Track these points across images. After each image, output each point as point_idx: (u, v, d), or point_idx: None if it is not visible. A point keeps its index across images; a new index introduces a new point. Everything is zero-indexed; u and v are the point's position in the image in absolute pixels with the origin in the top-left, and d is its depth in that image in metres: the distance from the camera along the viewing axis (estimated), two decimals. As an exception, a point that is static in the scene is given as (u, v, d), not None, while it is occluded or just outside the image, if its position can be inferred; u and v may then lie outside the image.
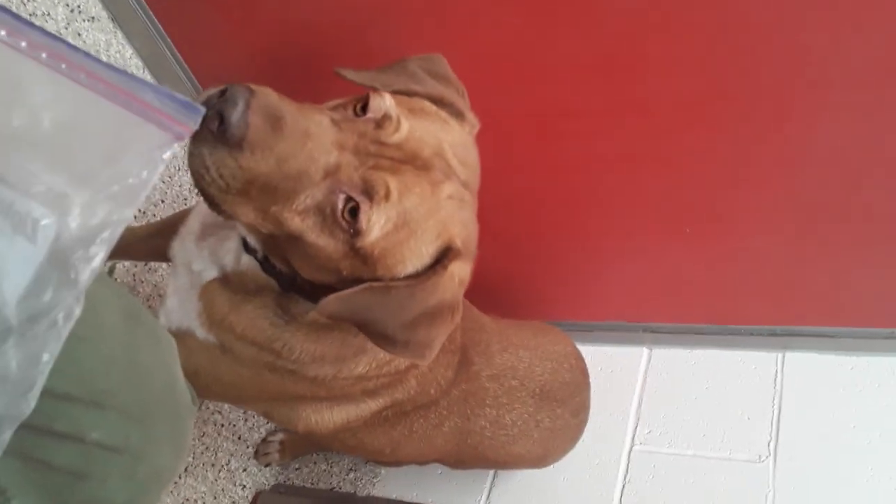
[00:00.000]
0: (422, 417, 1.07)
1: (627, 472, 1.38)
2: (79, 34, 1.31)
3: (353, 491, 1.54)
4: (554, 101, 1.16)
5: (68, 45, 0.55)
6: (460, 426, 1.12)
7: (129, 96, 0.58)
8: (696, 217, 1.27)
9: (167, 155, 0.59)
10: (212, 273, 0.89)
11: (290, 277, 0.82)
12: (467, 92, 0.88)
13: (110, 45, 1.37)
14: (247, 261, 0.85)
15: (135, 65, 1.40)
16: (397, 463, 1.26)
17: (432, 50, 0.91)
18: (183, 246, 0.93)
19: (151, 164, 0.57)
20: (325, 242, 0.72)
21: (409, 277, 0.75)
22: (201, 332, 0.90)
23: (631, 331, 1.53)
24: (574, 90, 1.14)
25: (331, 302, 0.74)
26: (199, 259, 0.90)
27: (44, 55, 0.55)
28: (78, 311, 0.52)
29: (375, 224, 0.71)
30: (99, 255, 0.53)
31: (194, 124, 0.62)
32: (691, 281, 1.39)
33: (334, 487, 1.56)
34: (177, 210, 1.34)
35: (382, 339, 0.77)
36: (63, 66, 0.56)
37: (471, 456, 1.21)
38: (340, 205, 0.70)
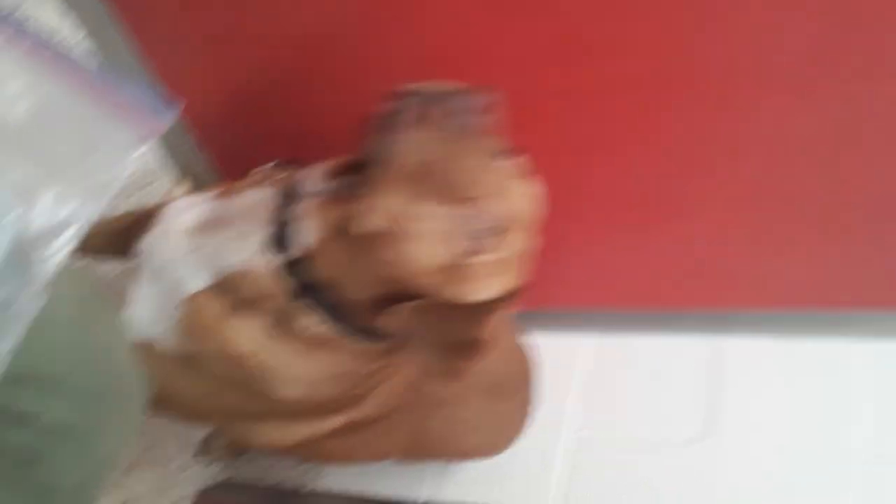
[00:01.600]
0: (380, 425, 1.08)
1: (565, 460, 1.39)
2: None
3: (299, 485, 1.53)
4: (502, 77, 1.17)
5: (43, 37, 0.56)
6: (416, 429, 1.13)
7: (103, 91, 0.59)
8: (630, 198, 1.29)
9: (137, 153, 0.59)
10: (201, 280, 0.84)
11: (322, 285, 0.81)
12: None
13: (62, 28, 1.35)
14: (264, 261, 0.82)
15: (86, 46, 1.39)
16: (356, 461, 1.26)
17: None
18: (161, 246, 0.87)
19: (122, 162, 0.58)
20: (435, 251, 0.74)
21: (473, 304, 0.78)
22: (173, 343, 0.86)
23: (568, 318, 1.55)
24: (522, 71, 1.15)
25: (405, 311, 0.76)
26: (187, 262, 0.85)
27: (18, 47, 0.57)
28: (39, 305, 0.53)
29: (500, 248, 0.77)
30: (63, 250, 0.54)
31: (167, 122, 0.62)
32: (626, 265, 1.42)
33: (280, 482, 1.55)
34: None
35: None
36: (37, 58, 0.57)
37: (423, 454, 1.24)
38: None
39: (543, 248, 1.41)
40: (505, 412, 1.23)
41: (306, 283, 0.81)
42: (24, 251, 0.52)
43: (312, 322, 0.82)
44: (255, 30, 1.25)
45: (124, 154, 0.58)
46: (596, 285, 1.49)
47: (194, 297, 0.84)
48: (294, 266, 0.81)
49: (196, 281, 0.84)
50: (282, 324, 0.83)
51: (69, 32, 1.36)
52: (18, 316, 0.52)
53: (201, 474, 1.57)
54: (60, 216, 0.54)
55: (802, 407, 1.31)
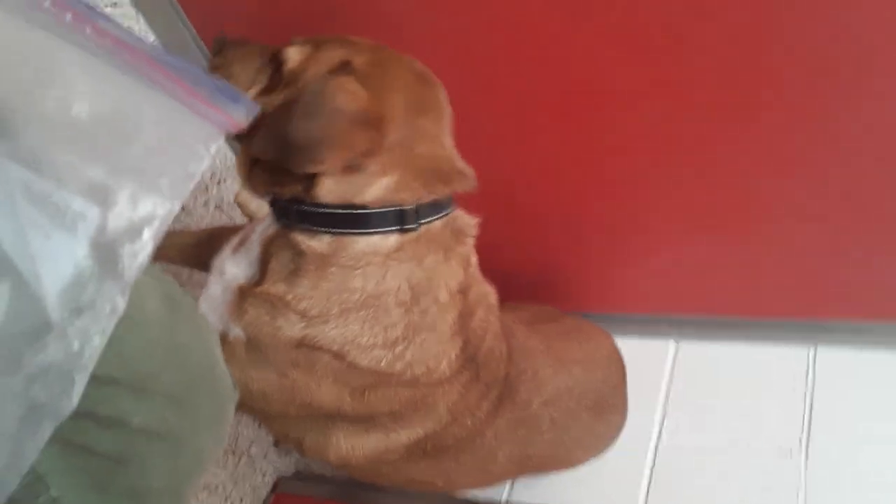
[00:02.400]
0: (468, 451, 1.05)
1: (654, 466, 1.38)
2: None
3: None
4: (584, 83, 1.14)
5: (124, 31, 0.54)
6: (517, 453, 1.11)
7: (177, 84, 0.56)
8: (725, 205, 1.25)
9: (213, 148, 0.57)
10: (244, 274, 0.90)
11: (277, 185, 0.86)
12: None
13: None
14: (267, 225, 0.90)
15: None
16: (452, 489, 1.25)
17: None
18: (221, 258, 0.94)
19: (197, 157, 0.55)
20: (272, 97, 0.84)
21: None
22: (232, 328, 0.89)
23: (657, 323, 1.52)
24: (603, 73, 1.11)
25: (257, 138, 0.81)
26: (232, 263, 0.92)
27: (101, 41, 0.53)
28: (123, 305, 0.51)
29: (292, 55, 0.86)
30: (145, 249, 0.52)
31: (241, 117, 0.60)
32: (720, 272, 1.38)
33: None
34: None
35: (284, 149, 0.80)
36: (116, 52, 0.53)
37: (531, 472, 1.23)
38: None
39: (636, 254, 1.43)
40: (609, 424, 1.22)
41: (277, 203, 0.88)
42: (105, 250, 0.50)
43: (307, 239, 0.85)
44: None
45: (201, 149, 0.56)
46: (689, 290, 1.45)
47: (241, 287, 0.90)
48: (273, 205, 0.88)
49: (241, 274, 0.91)
50: (295, 258, 0.87)
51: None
52: (106, 315, 0.51)
53: (280, 463, 1.57)
54: (140, 214, 0.52)
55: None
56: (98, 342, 0.51)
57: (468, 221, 0.96)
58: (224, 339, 0.90)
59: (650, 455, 1.39)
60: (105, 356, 0.52)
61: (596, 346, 1.23)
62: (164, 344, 0.60)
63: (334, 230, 0.84)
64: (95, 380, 0.52)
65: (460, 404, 0.99)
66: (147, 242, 0.52)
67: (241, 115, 0.61)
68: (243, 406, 0.94)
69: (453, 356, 0.94)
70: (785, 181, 1.18)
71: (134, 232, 0.52)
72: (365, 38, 0.90)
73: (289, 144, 0.78)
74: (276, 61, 0.88)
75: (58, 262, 0.49)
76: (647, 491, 1.36)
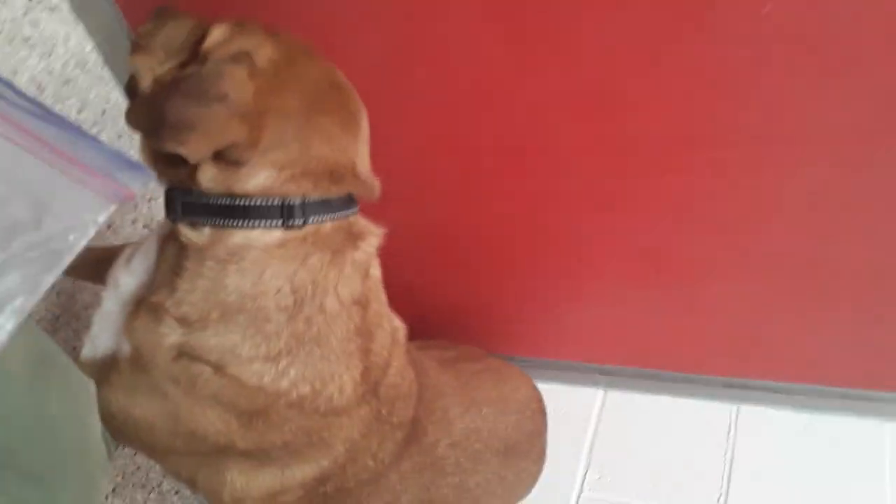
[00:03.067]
0: (372, 494, 1.01)
1: (577, 516, 1.36)
2: (36, 24, 1.23)
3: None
4: (525, 120, 1.13)
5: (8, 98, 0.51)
6: (420, 498, 1.06)
7: (64, 152, 0.53)
8: (660, 262, 1.26)
9: (101, 218, 0.54)
10: (139, 282, 0.86)
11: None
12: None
13: (69, 38, 1.30)
14: (164, 223, 0.87)
15: (93, 60, 1.33)
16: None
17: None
18: (115, 269, 0.89)
19: (81, 228, 0.52)
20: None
21: None
22: (125, 346, 0.84)
23: (586, 371, 1.50)
24: (549, 124, 1.12)
25: (133, 105, 0.80)
26: (126, 273, 0.87)
27: None
28: None
29: (214, 34, 0.81)
30: (6, 326, 0.48)
31: (139, 186, 0.57)
32: (651, 325, 1.38)
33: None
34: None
35: (154, 123, 0.76)
36: None
37: None
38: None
39: (568, 300, 1.42)
40: (519, 471, 1.18)
41: (170, 209, 0.84)
42: None
43: (192, 232, 0.81)
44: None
45: (85, 220, 0.53)
46: (619, 341, 1.45)
47: (134, 296, 0.86)
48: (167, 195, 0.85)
49: (134, 281, 0.86)
50: (178, 257, 0.83)
51: (77, 42, 1.30)
52: None
53: (193, 500, 1.51)
54: (4, 288, 0.48)
55: (815, 484, 1.28)
56: None
57: (369, 228, 0.91)
58: (114, 359, 0.86)
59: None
60: None
61: (512, 388, 1.20)
62: (27, 414, 0.55)
63: (215, 222, 0.80)
64: None
65: (361, 443, 0.95)
66: (9, 320, 0.48)
67: (136, 184, 0.58)
68: (129, 440, 0.90)
69: (348, 380, 0.89)
70: (719, 239, 1.19)
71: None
72: (295, 36, 0.87)
73: (160, 119, 0.74)
74: (200, 39, 0.84)
75: None
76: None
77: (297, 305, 0.82)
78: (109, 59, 1.35)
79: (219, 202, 0.80)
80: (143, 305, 0.83)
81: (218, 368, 0.82)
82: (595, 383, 1.50)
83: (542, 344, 1.52)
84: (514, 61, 1.06)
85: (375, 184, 0.90)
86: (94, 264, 1.02)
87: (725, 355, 1.37)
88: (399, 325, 1.00)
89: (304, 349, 0.84)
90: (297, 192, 0.81)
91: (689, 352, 1.39)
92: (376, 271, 0.93)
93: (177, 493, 1.48)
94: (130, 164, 0.56)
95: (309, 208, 0.82)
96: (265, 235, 0.80)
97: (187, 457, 0.91)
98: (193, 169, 0.79)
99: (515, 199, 1.25)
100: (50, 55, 1.26)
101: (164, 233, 0.86)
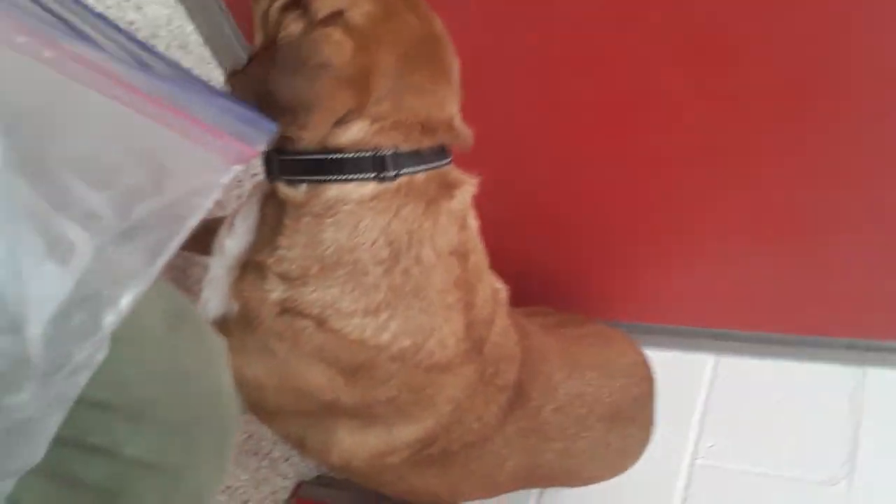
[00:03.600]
0: (477, 457, 1.00)
1: (688, 487, 1.30)
2: (140, 7, 1.27)
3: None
4: (626, 82, 1.09)
5: (126, 45, 0.49)
6: (525, 463, 1.05)
7: (184, 114, 0.51)
8: (776, 216, 1.19)
9: (225, 180, 0.52)
10: (243, 244, 0.87)
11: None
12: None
13: (171, 20, 1.33)
14: (263, 183, 0.88)
15: (195, 41, 1.37)
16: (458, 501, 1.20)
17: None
18: (219, 236, 0.92)
19: (205, 191, 0.50)
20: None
21: None
22: (233, 307, 0.86)
23: (697, 336, 1.44)
24: (645, 73, 1.07)
25: (237, 77, 0.79)
26: (230, 237, 0.89)
27: (94, 72, 0.48)
28: (100, 358, 0.46)
29: None
30: (129, 294, 0.46)
31: (260, 144, 0.54)
32: (766, 286, 1.31)
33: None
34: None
35: (267, 102, 0.76)
36: (110, 70, 0.48)
37: (539, 484, 1.16)
38: None
39: (676, 263, 1.36)
40: (625, 437, 1.14)
41: (269, 169, 0.84)
42: (88, 291, 0.45)
43: (289, 188, 0.82)
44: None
45: (209, 182, 0.51)
46: (731, 303, 1.38)
47: (239, 260, 0.87)
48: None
49: (239, 245, 0.88)
50: (279, 213, 0.84)
51: (178, 24, 1.33)
52: (79, 369, 0.46)
53: (301, 466, 1.55)
54: (130, 253, 0.47)
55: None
56: (71, 397, 0.47)
57: (463, 178, 0.89)
58: (224, 322, 0.87)
59: (683, 475, 1.32)
60: (98, 378, 0.48)
61: (618, 353, 1.16)
62: (163, 368, 0.56)
63: (311, 178, 0.81)
64: (84, 404, 0.49)
65: (465, 404, 0.94)
66: (134, 286, 0.47)
67: (259, 142, 0.55)
68: (242, 401, 0.93)
69: (449, 335, 0.88)
70: (835, 192, 1.12)
71: (120, 273, 0.47)
72: None
73: (272, 100, 0.75)
74: None
75: (45, 296, 0.43)
76: (678, 508, 1.28)
77: (394, 257, 0.82)
78: (210, 40, 1.38)
79: (314, 157, 0.80)
80: (248, 266, 0.85)
81: (320, 323, 0.83)
82: (706, 348, 1.43)
83: (648, 309, 1.47)
84: (614, 12, 1.02)
85: (468, 133, 0.89)
86: (202, 236, 1.05)
87: (849, 315, 1.28)
88: (501, 287, 0.99)
89: (404, 302, 0.84)
90: (388, 144, 0.80)
91: (808, 312, 1.31)
92: (473, 222, 0.92)
93: (286, 460, 1.52)
94: (252, 120, 0.54)
95: (401, 160, 0.81)
96: (359, 189, 0.80)
97: (296, 417, 0.93)
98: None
99: (617, 155, 1.21)
100: (153, 38, 1.30)
101: (262, 194, 0.87)
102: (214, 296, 0.89)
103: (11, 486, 0.45)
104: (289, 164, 0.82)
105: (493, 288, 0.96)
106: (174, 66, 0.53)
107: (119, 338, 0.50)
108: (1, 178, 0.41)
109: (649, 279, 1.42)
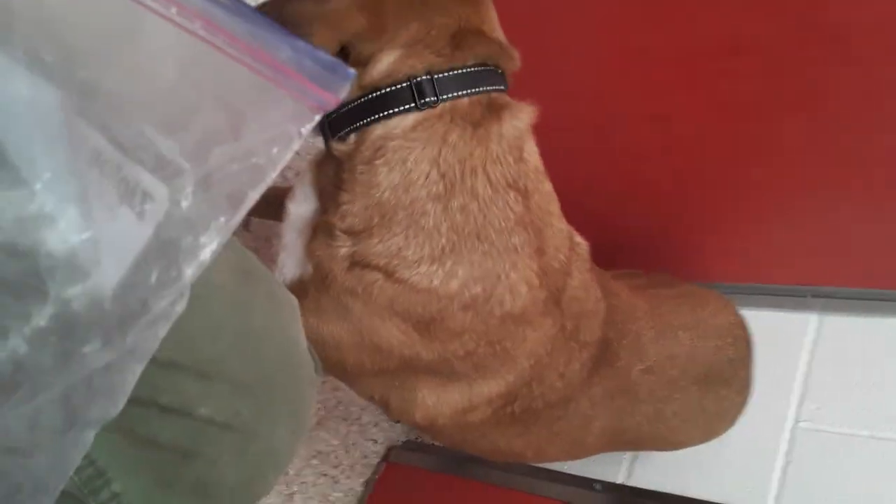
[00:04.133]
0: (562, 418, 0.97)
1: (790, 452, 1.24)
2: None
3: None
4: (721, 31, 1.03)
5: None
6: (612, 425, 1.02)
7: (261, 55, 0.46)
8: (881, 164, 1.10)
9: (306, 129, 0.47)
10: (307, 209, 0.88)
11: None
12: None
13: None
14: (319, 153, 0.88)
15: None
16: (542, 461, 1.17)
17: None
18: (287, 204, 0.92)
19: (284, 140, 0.46)
20: None
21: None
22: (308, 269, 0.86)
23: (797, 295, 1.37)
24: (738, 17, 1.00)
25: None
26: (293, 204, 0.90)
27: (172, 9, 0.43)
28: (179, 309, 0.44)
29: None
30: (209, 245, 0.44)
31: (340, 91, 0.50)
32: (870, 238, 1.22)
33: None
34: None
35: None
36: (181, 14, 0.44)
37: (627, 448, 1.12)
38: None
39: (771, 215, 1.29)
40: (720, 400, 1.09)
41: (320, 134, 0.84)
42: (166, 242, 0.43)
43: (340, 144, 0.82)
44: None
45: (288, 131, 0.46)
46: (835, 258, 1.30)
47: (311, 222, 0.88)
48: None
49: (307, 205, 0.88)
50: (337, 170, 0.84)
51: None
52: (158, 321, 0.44)
53: (391, 431, 1.56)
54: (208, 205, 0.44)
55: None
56: (150, 349, 0.45)
57: (513, 102, 0.84)
58: (301, 284, 0.88)
59: (784, 441, 1.26)
60: (167, 337, 0.47)
61: (711, 313, 1.11)
62: (234, 324, 0.55)
63: (356, 126, 0.80)
64: (154, 363, 0.48)
65: (546, 360, 0.91)
66: (212, 238, 0.44)
67: (340, 87, 0.50)
68: (323, 364, 0.93)
69: (518, 280, 0.85)
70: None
71: (199, 224, 0.44)
72: None
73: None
74: None
75: (119, 248, 0.41)
76: (781, 480, 1.22)
77: (449, 191, 0.80)
78: None
79: (355, 105, 0.79)
80: (318, 227, 0.85)
81: (388, 274, 0.82)
82: (808, 307, 1.35)
83: (743, 267, 1.40)
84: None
85: (512, 51, 0.85)
86: (277, 202, 1.05)
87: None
88: (581, 241, 0.95)
89: (467, 245, 0.81)
90: (421, 67, 0.78)
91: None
92: (534, 156, 0.87)
93: (376, 425, 1.54)
94: (331, 64, 0.49)
95: (442, 84, 0.78)
96: (402, 121, 0.79)
97: (378, 377, 0.93)
98: None
99: (710, 100, 1.15)
100: None
101: (320, 158, 0.88)
102: (289, 259, 0.90)
103: (92, 437, 0.44)
104: (336, 121, 0.81)
105: (569, 237, 0.92)
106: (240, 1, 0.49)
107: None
108: (60, 125, 0.40)
109: (746, 236, 1.35)
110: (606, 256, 1.05)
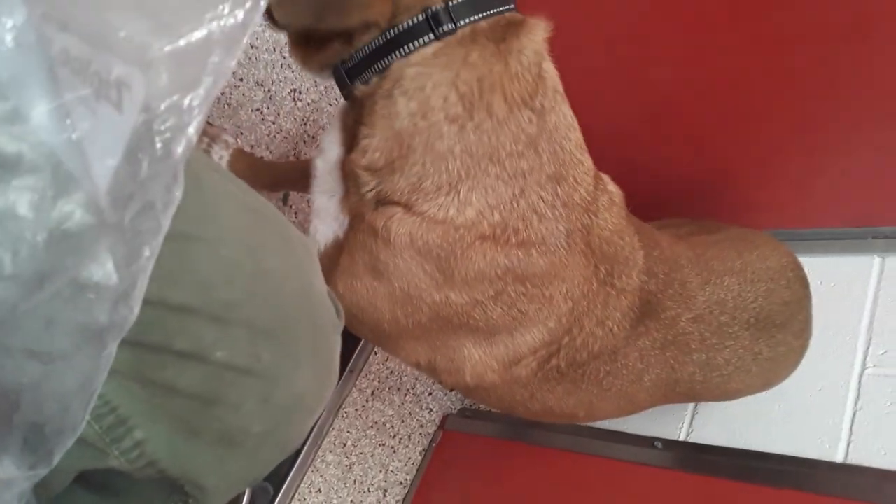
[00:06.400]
0: (610, 372, 0.95)
1: (859, 399, 1.19)
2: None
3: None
4: None
5: None
6: (664, 378, 0.99)
7: None
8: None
9: None
10: (331, 157, 0.87)
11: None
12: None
13: None
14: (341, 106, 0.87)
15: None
16: (595, 420, 1.14)
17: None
18: (315, 169, 0.91)
19: (247, 11, 0.43)
20: None
21: None
22: (343, 222, 0.86)
23: (857, 237, 1.31)
24: None
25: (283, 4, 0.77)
26: (320, 160, 0.89)
27: None
28: (178, 194, 0.42)
29: None
30: (195, 120, 0.41)
31: None
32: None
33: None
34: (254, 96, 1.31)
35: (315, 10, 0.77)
36: None
37: (680, 400, 1.09)
38: None
39: (826, 155, 1.23)
40: (776, 346, 1.04)
41: (342, 84, 0.83)
42: (149, 126, 0.40)
43: (363, 86, 0.81)
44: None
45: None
46: (888, 197, 1.23)
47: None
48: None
49: (332, 153, 0.87)
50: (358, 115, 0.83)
51: None
52: (158, 207, 0.42)
53: (445, 400, 1.56)
54: (186, 77, 0.41)
55: None
56: (154, 240, 0.43)
57: (527, 18, 0.81)
58: (337, 243, 0.88)
59: (853, 387, 1.20)
60: (178, 280, 0.47)
61: (760, 256, 1.06)
62: (246, 267, 0.53)
63: (377, 66, 0.79)
64: (168, 307, 0.47)
65: (583, 304, 0.89)
66: (197, 112, 0.42)
67: None
68: (363, 326, 0.92)
69: (528, 209, 0.82)
70: None
71: (180, 100, 0.42)
72: None
73: (317, 15, 0.76)
74: None
75: (105, 144, 0.40)
76: (851, 429, 1.17)
77: (467, 110, 0.77)
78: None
79: (373, 46, 0.78)
80: (347, 177, 0.85)
81: (408, 207, 0.80)
82: (871, 249, 1.29)
83: (798, 212, 1.35)
84: None
85: None
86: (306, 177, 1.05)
87: None
88: (615, 189, 0.92)
89: (480, 167, 0.79)
90: None
91: None
92: (552, 75, 0.83)
93: (430, 394, 1.54)
94: None
95: (458, 10, 0.76)
96: (421, 52, 0.77)
97: (420, 341, 0.92)
98: (346, 37, 0.79)
99: (750, 43, 1.09)
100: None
101: (342, 109, 0.87)
102: (322, 223, 0.89)
103: (114, 351, 0.42)
104: (355, 67, 0.80)
105: (594, 174, 0.88)
106: None
107: (196, 235, 0.49)
108: (27, 30, 0.37)
109: (796, 179, 1.29)
110: (653, 209, 1.02)
